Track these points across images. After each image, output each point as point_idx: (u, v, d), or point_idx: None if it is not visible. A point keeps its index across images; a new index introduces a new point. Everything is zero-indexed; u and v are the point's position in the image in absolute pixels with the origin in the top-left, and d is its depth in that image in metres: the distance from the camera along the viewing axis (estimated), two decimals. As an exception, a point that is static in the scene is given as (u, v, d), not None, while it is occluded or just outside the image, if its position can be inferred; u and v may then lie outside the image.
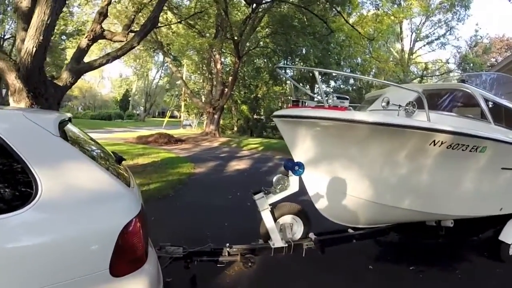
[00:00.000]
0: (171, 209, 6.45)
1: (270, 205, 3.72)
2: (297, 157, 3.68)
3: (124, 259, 1.84)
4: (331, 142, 3.53)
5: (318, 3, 20.60)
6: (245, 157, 14.60)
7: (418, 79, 34.58)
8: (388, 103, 3.58)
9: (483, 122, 4.25)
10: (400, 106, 3.61)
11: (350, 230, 4.38)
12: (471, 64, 31.95)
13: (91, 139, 2.87)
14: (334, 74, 32.85)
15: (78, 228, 1.76)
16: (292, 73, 26.54)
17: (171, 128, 31.99)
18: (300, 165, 3.59)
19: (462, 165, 3.95)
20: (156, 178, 8.82)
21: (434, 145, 3.50)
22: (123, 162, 2.92)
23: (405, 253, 5.13)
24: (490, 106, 4.43)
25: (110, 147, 13.88)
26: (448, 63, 37.11)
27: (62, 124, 2.19)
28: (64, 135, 2.07)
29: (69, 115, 2.79)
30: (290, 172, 3.70)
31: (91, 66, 8.46)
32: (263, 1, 19.77)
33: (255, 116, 34.13)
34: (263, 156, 15.45)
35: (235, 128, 33.71)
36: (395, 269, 4.52)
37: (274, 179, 3.77)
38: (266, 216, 3.69)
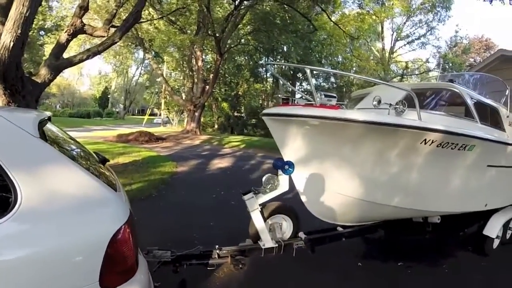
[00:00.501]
0: (155, 209, 6.30)
1: (260, 205, 3.65)
2: (287, 156, 3.61)
3: (114, 270, 1.72)
4: (322, 141, 3.47)
5: (301, 0, 20.58)
6: (227, 155, 14.49)
7: (399, 77, 35.08)
8: (379, 102, 3.54)
9: (470, 121, 4.29)
10: (390, 105, 3.58)
11: (339, 228, 4.38)
12: (451, 64, 32.57)
13: (72, 138, 2.72)
14: (314, 72, 32.93)
15: (63, 238, 1.62)
16: (275, 71, 26.51)
17: (151, 126, 31.62)
18: (290, 164, 3.53)
19: (450, 163, 3.98)
20: (138, 177, 8.63)
21: (425, 143, 3.50)
22: (107, 163, 2.79)
23: (393, 250, 5.17)
24: (477, 105, 4.48)
25: (90, 146, 13.59)
26: (428, 62, 37.84)
27: (41, 124, 2.04)
28: (43, 136, 1.93)
29: (48, 113, 2.63)
30: (280, 171, 3.64)
31: (70, 62, 8.18)
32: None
33: (235, 114, 34.02)
34: (245, 153, 15.39)
35: (216, 126, 33.52)
36: (384, 266, 4.55)
37: (264, 178, 3.69)
38: (256, 217, 3.61)
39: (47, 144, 1.83)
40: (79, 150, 2.50)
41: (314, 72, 32.46)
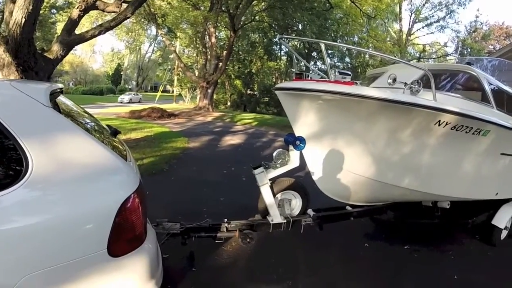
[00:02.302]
0: (166, 184, 6.36)
1: (269, 180, 3.65)
2: (298, 131, 3.58)
3: (122, 238, 1.75)
4: (334, 117, 3.42)
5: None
6: (239, 132, 14.50)
7: (415, 60, 34.31)
8: (394, 80, 3.46)
9: (486, 106, 4.18)
10: (406, 84, 3.50)
11: (348, 208, 4.36)
12: (469, 49, 31.59)
13: (85, 111, 2.73)
14: (329, 51, 32.40)
15: (73, 206, 1.64)
16: (289, 46, 26.10)
17: (164, 102, 31.68)
18: (302, 140, 3.50)
19: (464, 147, 3.90)
20: (150, 152, 8.70)
21: (439, 125, 3.42)
22: (118, 135, 2.80)
23: (401, 232, 5.13)
24: (494, 90, 4.36)
25: (103, 122, 13.71)
26: (446, 47, 36.91)
27: (53, 95, 2.04)
28: (56, 107, 1.93)
29: (60, 85, 2.62)
30: (291, 147, 3.62)
31: (82, 38, 8.16)
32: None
33: (248, 91, 33.86)
34: (257, 131, 15.36)
35: (229, 103, 33.47)
36: (390, 248, 4.55)
37: (275, 153, 3.69)
38: (266, 192, 3.62)
39: (58, 114, 1.83)
40: (90, 121, 2.50)
41: (329, 51, 32.02)
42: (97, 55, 72.54)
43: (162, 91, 46.20)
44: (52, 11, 26.75)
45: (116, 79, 60.74)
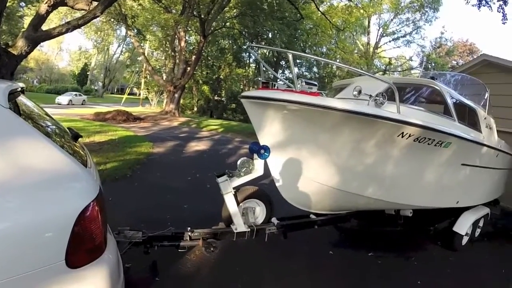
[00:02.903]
0: (129, 190, 6.20)
1: (233, 188, 3.64)
2: (263, 140, 3.59)
3: (81, 248, 1.67)
4: (299, 127, 3.45)
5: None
6: (204, 138, 14.38)
7: (381, 73, 35.36)
8: (360, 92, 3.54)
9: (448, 118, 4.36)
10: (370, 96, 3.59)
11: (312, 216, 4.43)
12: (433, 64, 32.91)
13: (46, 113, 2.62)
14: (297, 61, 32.87)
15: (28, 214, 1.55)
16: (258, 55, 26.25)
17: (130, 106, 31.06)
18: (266, 149, 3.52)
19: (426, 158, 4.05)
20: (113, 157, 8.46)
21: (402, 137, 3.53)
22: (80, 139, 2.70)
23: (364, 240, 5.27)
24: (456, 104, 4.55)
25: (66, 124, 13.20)
26: (411, 61, 38.12)
27: (13, 95, 1.94)
28: (15, 107, 1.83)
29: (21, 85, 2.51)
30: (255, 155, 3.63)
31: (49, 35, 7.86)
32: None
33: (216, 97, 33.72)
34: (223, 138, 15.30)
35: (195, 108, 33.19)
36: (355, 255, 4.62)
37: (239, 162, 3.68)
38: (229, 200, 3.61)
39: (16, 116, 1.74)
40: (51, 124, 2.40)
41: (297, 60, 32.49)
42: (64, 53, 70.08)
43: (129, 94, 45.25)
44: (20, 4, 25.80)
45: (82, 79, 58.89)
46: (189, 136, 14.33)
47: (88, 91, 52.37)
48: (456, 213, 5.21)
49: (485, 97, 5.84)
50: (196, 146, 12.03)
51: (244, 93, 3.51)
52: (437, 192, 4.62)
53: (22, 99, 2.25)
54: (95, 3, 8.59)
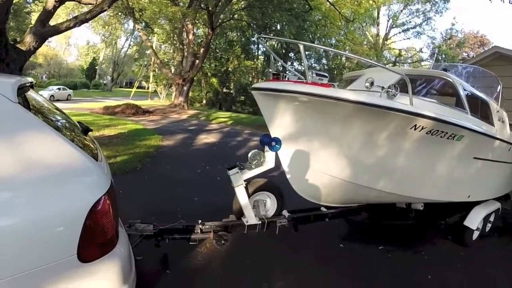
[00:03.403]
0: (139, 183, 6.24)
1: (244, 181, 3.61)
2: (274, 132, 3.55)
3: (93, 242, 1.67)
4: (311, 119, 3.40)
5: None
6: (214, 131, 14.38)
7: (391, 64, 35.01)
8: (372, 83, 3.48)
9: (461, 111, 4.28)
10: (383, 87, 3.53)
11: (323, 209, 4.40)
12: (444, 56, 32.42)
13: (56, 108, 2.62)
14: (307, 52, 32.65)
15: (40, 209, 1.55)
16: (264, 49, 26.13)
17: (139, 99, 31.23)
18: (277, 141, 3.48)
19: (438, 151, 3.98)
20: (123, 150, 8.52)
21: (415, 129, 3.47)
22: (90, 133, 2.70)
23: (375, 233, 5.22)
24: (468, 97, 4.47)
25: (76, 118, 13.21)
26: (422, 52, 37.65)
27: (22, 90, 1.93)
28: (25, 102, 1.83)
29: (30, 79, 2.50)
30: (266, 148, 3.60)
31: (57, 30, 7.88)
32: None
33: (224, 90, 33.68)
34: (232, 130, 15.29)
35: (204, 101, 33.19)
36: (365, 249, 4.59)
37: (250, 154, 3.65)
38: (240, 193, 3.59)
39: (26, 110, 1.74)
40: (61, 118, 2.40)
41: (307, 52, 32.23)
42: (72, 48, 70.68)
43: (137, 87, 45.48)
44: (28, 0, 25.93)
45: (91, 74, 59.29)
46: (198, 129, 14.35)
47: (97, 85, 52.77)
48: (467, 207, 5.13)
49: (498, 90, 5.73)
50: (206, 138, 12.04)
51: (255, 85, 3.48)
52: (449, 186, 4.55)
53: (31, 93, 2.24)
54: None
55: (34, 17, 22.40)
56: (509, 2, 12.45)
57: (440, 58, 31.81)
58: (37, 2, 22.33)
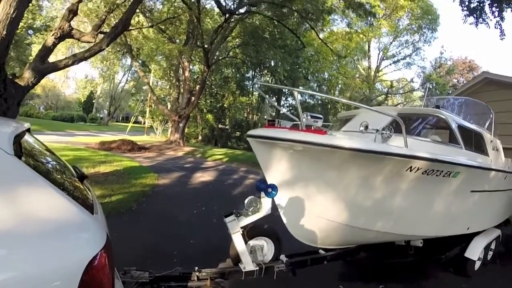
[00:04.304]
0: (134, 224, 6.15)
1: (241, 228, 3.59)
2: (270, 178, 3.57)
3: None
4: (306, 165, 3.44)
5: (291, 17, 20.77)
6: (210, 168, 14.32)
7: (383, 96, 35.60)
8: (366, 127, 3.52)
9: (455, 147, 4.35)
10: (377, 130, 3.59)
11: (321, 251, 4.35)
12: (435, 84, 33.09)
13: (49, 150, 2.62)
14: (301, 87, 33.19)
15: (34, 265, 1.51)
16: (262, 88, 26.56)
17: (135, 134, 31.28)
18: (274, 187, 3.49)
19: (435, 189, 4.02)
20: (118, 189, 8.44)
21: (411, 171, 3.51)
22: (86, 170, 2.68)
23: (375, 272, 5.15)
24: (462, 131, 4.55)
25: (72, 153, 13.41)
26: (413, 82, 38.39)
27: (18, 137, 1.94)
28: (20, 150, 1.83)
29: (27, 125, 2.51)
30: (262, 194, 3.59)
31: (56, 67, 8.00)
32: (237, 12, 19.70)
33: (220, 126, 33.84)
34: (228, 167, 15.24)
35: (200, 137, 33.24)
36: (365, 288, 4.48)
37: (246, 201, 3.64)
38: (237, 239, 3.56)
39: (22, 163, 1.73)
40: (56, 165, 2.40)
41: (301, 87, 32.81)
42: (71, 80, 71.31)
43: (134, 122, 45.67)
44: (28, 31, 26.35)
45: (88, 107, 59.71)
46: (194, 167, 14.29)
47: (94, 119, 52.89)
48: (467, 238, 5.12)
49: (490, 119, 5.86)
50: (201, 177, 11.98)
51: (250, 132, 3.52)
52: (447, 221, 4.57)
53: (27, 138, 2.25)
54: (101, 36, 8.79)
55: (35, 48, 22.70)
56: (495, 27, 12.91)
57: (430, 87, 32.44)
58: (38, 34, 22.70)
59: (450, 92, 27.84)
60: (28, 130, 2.45)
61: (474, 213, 4.93)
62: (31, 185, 1.67)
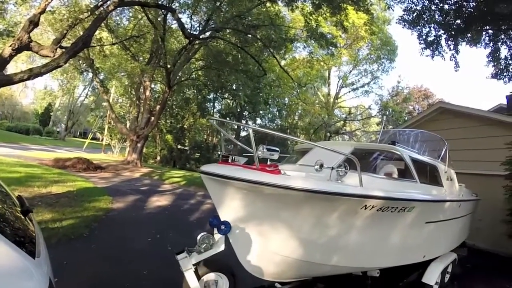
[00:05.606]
0: (86, 252, 5.86)
1: (193, 264, 3.54)
2: (223, 215, 3.56)
3: None
4: (261, 204, 3.45)
5: (255, 44, 21.14)
6: (166, 192, 14.01)
7: (342, 122, 36.58)
8: (321, 166, 3.57)
9: (410, 181, 4.52)
10: (332, 168, 3.66)
11: (277, 285, 4.30)
12: (392, 111, 34.54)
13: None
14: (261, 112, 33.55)
15: None
16: (220, 107, 26.65)
17: (92, 151, 30.22)
18: (227, 224, 3.49)
19: (390, 224, 4.14)
20: (70, 212, 8.04)
21: (366, 208, 3.60)
22: (30, 213, 2.55)
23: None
24: (416, 164, 4.75)
25: (23, 169, 12.75)
26: (370, 109, 39.77)
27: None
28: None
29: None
30: (215, 230, 3.55)
31: (10, 80, 7.72)
32: (201, 36, 19.83)
33: (179, 147, 33.39)
34: (185, 191, 14.96)
35: (158, 158, 32.57)
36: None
37: (199, 237, 3.61)
38: (190, 277, 3.51)
39: None
40: None
41: (261, 112, 33.20)
42: (29, 90, 68.25)
43: (92, 139, 44.19)
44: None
45: (45, 120, 57.03)
46: (150, 190, 13.92)
47: (50, 133, 50.61)
48: (424, 264, 5.27)
49: (444, 151, 6.18)
50: (158, 201, 11.67)
51: (203, 168, 3.50)
52: (403, 251, 4.70)
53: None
54: (60, 51, 8.55)
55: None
56: (450, 60, 13.84)
57: (387, 113, 33.81)
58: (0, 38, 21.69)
59: (406, 119, 29.12)
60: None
61: (429, 242, 5.12)
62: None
